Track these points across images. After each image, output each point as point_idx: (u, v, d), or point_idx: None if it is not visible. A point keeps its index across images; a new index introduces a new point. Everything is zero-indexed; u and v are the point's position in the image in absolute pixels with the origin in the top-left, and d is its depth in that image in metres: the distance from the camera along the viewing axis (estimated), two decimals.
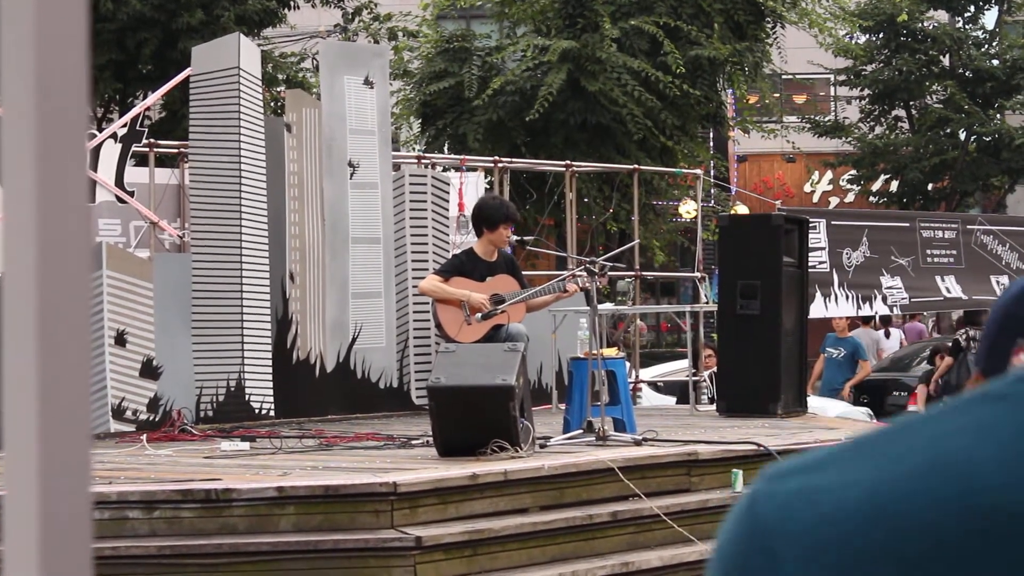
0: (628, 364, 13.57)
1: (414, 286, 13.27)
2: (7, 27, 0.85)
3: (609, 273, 11.69)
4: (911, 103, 31.48)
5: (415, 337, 13.74)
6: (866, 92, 31.40)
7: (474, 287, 11.82)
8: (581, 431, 10.57)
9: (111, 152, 12.71)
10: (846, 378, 19.34)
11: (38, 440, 0.86)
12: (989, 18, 31.89)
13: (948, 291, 18.79)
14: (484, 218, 11.97)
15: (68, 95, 0.83)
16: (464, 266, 11.96)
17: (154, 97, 14.70)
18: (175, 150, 14.06)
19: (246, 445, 10.70)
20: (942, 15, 31.54)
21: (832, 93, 35.69)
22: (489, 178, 17.60)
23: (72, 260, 0.86)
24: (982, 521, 0.85)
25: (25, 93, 0.83)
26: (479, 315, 11.62)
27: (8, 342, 0.90)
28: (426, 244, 13.91)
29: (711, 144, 29.24)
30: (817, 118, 32.46)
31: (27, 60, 0.84)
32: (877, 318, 21.96)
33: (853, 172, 32.60)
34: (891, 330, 23.77)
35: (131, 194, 12.88)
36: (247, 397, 12.51)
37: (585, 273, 11.11)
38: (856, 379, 19.44)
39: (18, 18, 0.83)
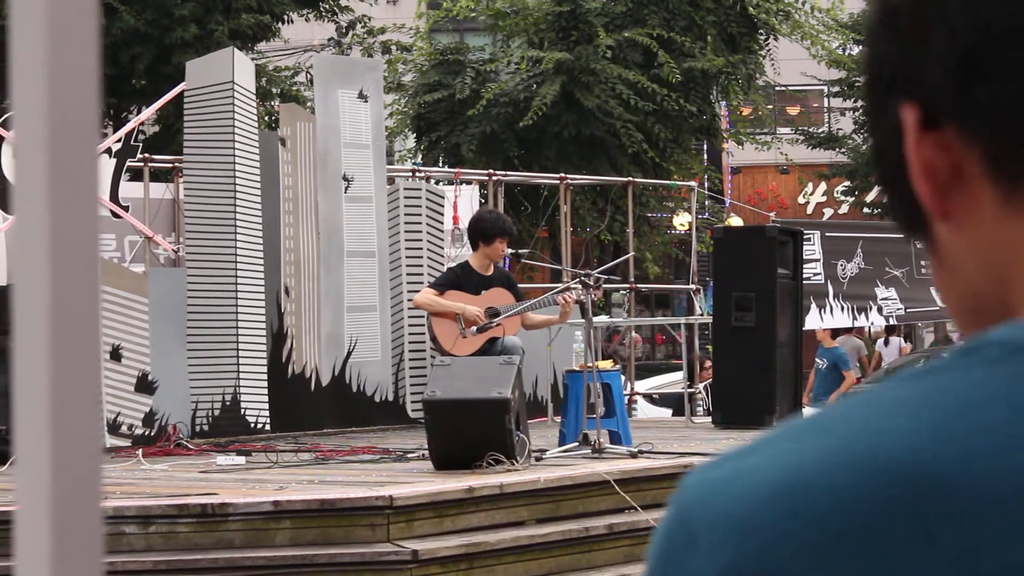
0: (623, 376, 13.57)
1: (409, 299, 13.28)
2: (18, 45, 0.85)
3: (604, 286, 11.69)
4: None
5: (410, 350, 13.74)
6: (860, 104, 31.42)
7: (469, 300, 11.82)
8: (577, 444, 10.57)
9: (106, 167, 12.71)
10: (830, 388, 19.32)
11: (50, 453, 0.87)
12: None
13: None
14: (481, 231, 11.98)
15: (79, 114, 0.83)
16: (459, 279, 11.96)
17: (148, 112, 14.70)
18: (169, 165, 14.07)
19: (242, 459, 10.69)
20: None
21: (826, 105, 35.73)
22: (484, 191, 17.61)
23: (83, 272, 0.87)
24: (887, 485, 0.87)
25: (36, 111, 0.84)
26: (474, 328, 11.62)
27: (20, 354, 0.91)
28: (421, 257, 13.91)
29: (705, 156, 29.27)
30: (811, 130, 32.49)
31: (38, 78, 0.85)
32: (883, 327, 21.98)
33: (847, 183, 32.62)
34: (891, 339, 23.78)
35: (126, 209, 12.89)
36: (242, 411, 12.50)
37: (580, 286, 11.12)
38: (841, 390, 19.42)
39: (29, 39, 0.84)
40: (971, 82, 0.91)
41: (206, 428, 12.33)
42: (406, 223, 13.88)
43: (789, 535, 0.87)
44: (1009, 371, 0.90)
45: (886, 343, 23.13)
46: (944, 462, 0.87)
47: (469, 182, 16.64)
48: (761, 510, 0.88)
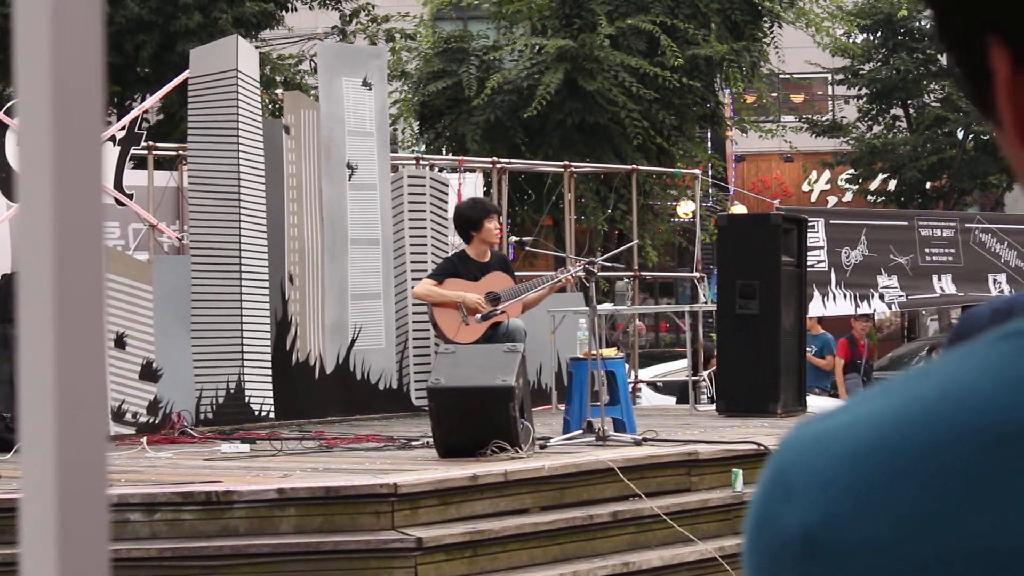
0: (627, 364, 13.57)
1: (413, 287, 13.28)
2: (22, 33, 0.86)
3: (610, 273, 11.69)
4: (909, 102, 31.45)
5: (414, 338, 13.74)
6: (864, 91, 31.38)
7: (468, 287, 11.81)
8: (581, 431, 10.58)
9: (110, 155, 12.71)
10: (818, 374, 19.32)
11: (55, 441, 0.87)
12: None
13: (943, 289, 18.82)
14: (466, 221, 11.96)
15: (84, 100, 0.83)
16: (457, 268, 11.96)
17: (152, 100, 14.70)
18: (174, 152, 14.07)
19: (246, 447, 10.70)
20: None
21: (830, 92, 35.68)
22: (488, 179, 17.61)
23: (87, 260, 0.87)
24: (972, 444, 0.89)
25: (41, 98, 0.84)
26: (478, 316, 11.62)
27: (25, 341, 0.91)
28: (425, 245, 13.92)
29: (709, 144, 29.23)
30: (815, 118, 32.45)
31: (43, 64, 0.85)
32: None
33: (851, 171, 32.58)
34: None
35: (130, 197, 12.89)
36: (247, 399, 12.51)
37: (581, 265, 11.13)
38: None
39: (34, 25, 0.84)
40: None
41: (210, 416, 12.34)
42: (410, 211, 13.88)
43: (877, 494, 0.90)
44: None
45: None
46: (1009, 408, 0.88)
47: (473, 170, 16.63)
48: (852, 469, 0.91)
